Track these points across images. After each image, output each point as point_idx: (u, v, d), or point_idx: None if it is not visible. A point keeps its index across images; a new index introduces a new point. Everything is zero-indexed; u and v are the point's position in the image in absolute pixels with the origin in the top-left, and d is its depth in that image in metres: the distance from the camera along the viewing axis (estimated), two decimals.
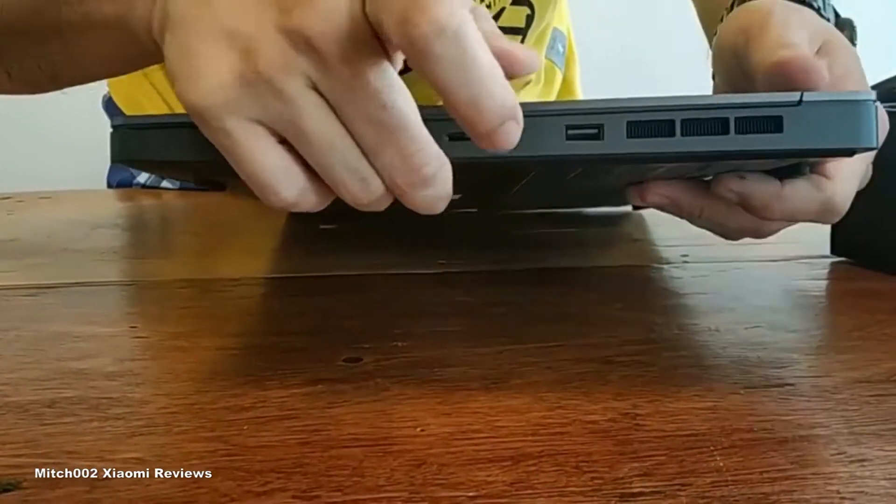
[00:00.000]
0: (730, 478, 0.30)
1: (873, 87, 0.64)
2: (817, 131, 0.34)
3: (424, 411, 0.35)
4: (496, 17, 0.63)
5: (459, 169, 0.32)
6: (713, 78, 0.51)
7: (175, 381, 0.38)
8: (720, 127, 0.33)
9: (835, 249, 0.59)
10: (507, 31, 0.65)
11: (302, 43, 0.29)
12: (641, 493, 0.29)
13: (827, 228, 0.58)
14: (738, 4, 0.48)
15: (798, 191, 0.41)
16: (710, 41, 0.58)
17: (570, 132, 0.33)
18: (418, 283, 0.54)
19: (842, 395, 0.37)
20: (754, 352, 0.42)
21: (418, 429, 0.34)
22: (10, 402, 0.36)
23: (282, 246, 0.60)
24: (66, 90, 0.48)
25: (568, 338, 0.43)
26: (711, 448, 0.32)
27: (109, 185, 0.84)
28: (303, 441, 0.33)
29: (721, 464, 0.31)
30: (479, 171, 0.35)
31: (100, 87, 0.81)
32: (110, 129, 0.36)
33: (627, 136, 0.34)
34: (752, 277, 0.52)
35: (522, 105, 0.31)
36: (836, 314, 0.48)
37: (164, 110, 0.77)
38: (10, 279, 0.53)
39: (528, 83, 0.74)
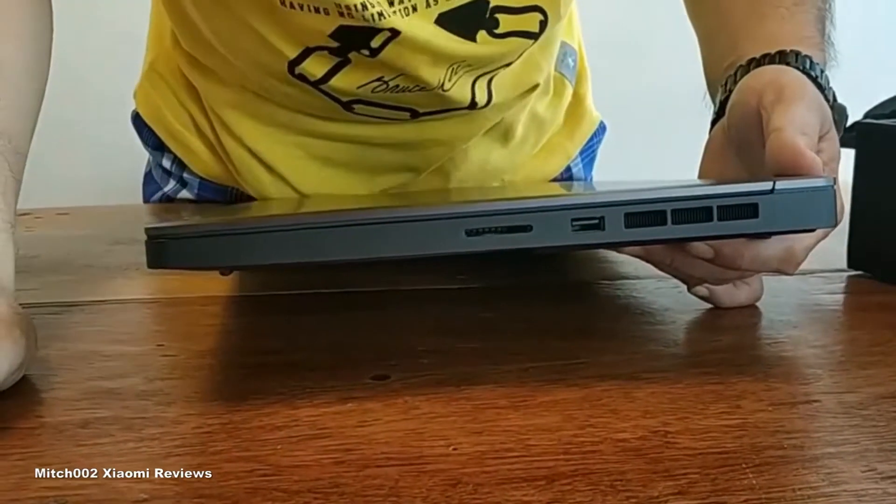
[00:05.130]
0: (763, 496, 0.30)
1: (887, 102, 0.64)
2: (787, 214, 0.39)
3: (455, 430, 0.35)
4: (495, 25, 0.64)
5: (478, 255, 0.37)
6: (712, 124, 0.54)
7: (206, 400, 0.38)
8: (705, 215, 0.38)
9: (851, 263, 0.59)
10: (522, 34, 0.66)
11: None
12: None
13: (843, 242, 0.58)
14: (755, 66, 0.51)
15: (764, 241, 0.45)
16: (709, 83, 0.60)
17: (575, 224, 0.38)
18: (439, 300, 0.54)
19: (868, 411, 0.37)
20: (778, 368, 0.43)
21: (451, 448, 0.34)
22: (45, 422, 0.37)
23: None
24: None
25: (592, 354, 0.44)
26: (743, 466, 0.32)
27: (146, 201, 0.86)
28: (337, 460, 0.33)
29: (754, 482, 0.31)
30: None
31: (130, 103, 0.81)
32: (145, 239, 0.37)
33: (625, 227, 0.38)
34: (769, 291, 0.52)
35: (536, 200, 0.37)
36: (856, 329, 0.48)
37: (181, 116, 0.78)
38: (34, 296, 0.54)
39: (536, 86, 0.74)
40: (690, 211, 0.38)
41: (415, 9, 0.62)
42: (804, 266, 0.51)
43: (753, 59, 0.52)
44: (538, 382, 0.40)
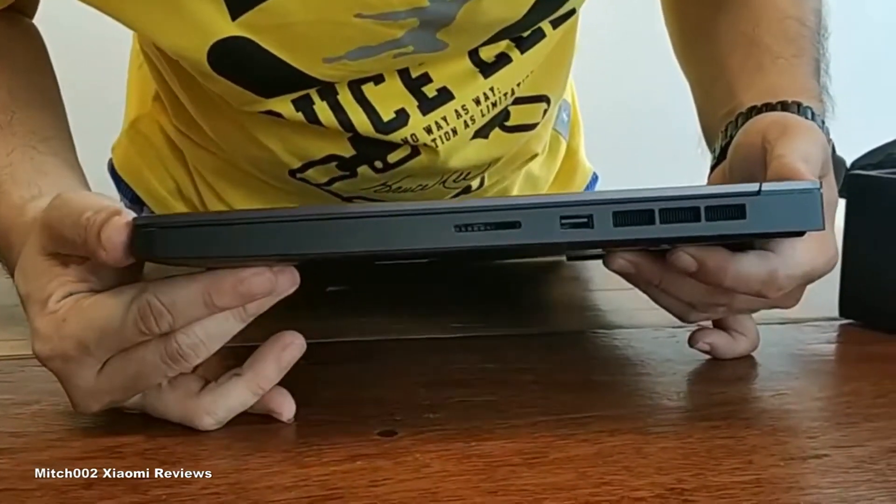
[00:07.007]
0: None
1: (873, 151, 0.65)
2: (775, 216, 0.39)
3: (470, 489, 0.35)
4: (506, 117, 0.63)
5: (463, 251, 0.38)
6: (711, 170, 0.54)
7: (212, 458, 0.38)
8: (693, 215, 0.39)
9: (843, 311, 0.59)
10: (524, 128, 0.64)
11: None
12: None
13: (835, 289, 0.59)
14: (756, 113, 0.51)
15: (748, 257, 0.44)
16: (704, 129, 0.61)
17: (563, 221, 0.38)
18: (437, 349, 0.54)
19: (878, 465, 0.37)
20: (785, 421, 0.43)
21: None
22: (45, 482, 0.36)
23: (291, 309, 0.59)
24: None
25: (599, 407, 0.43)
26: None
27: None
28: None
29: None
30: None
31: (107, 152, 0.80)
32: (134, 226, 0.37)
33: (614, 225, 0.38)
34: (764, 341, 0.52)
35: (521, 199, 0.38)
36: (857, 380, 0.49)
37: (164, 180, 0.76)
38: (22, 347, 0.52)
39: (535, 156, 0.73)
40: (678, 211, 0.39)
41: (455, 132, 0.59)
42: (797, 314, 0.52)
43: (754, 107, 0.52)
44: (549, 438, 0.40)
